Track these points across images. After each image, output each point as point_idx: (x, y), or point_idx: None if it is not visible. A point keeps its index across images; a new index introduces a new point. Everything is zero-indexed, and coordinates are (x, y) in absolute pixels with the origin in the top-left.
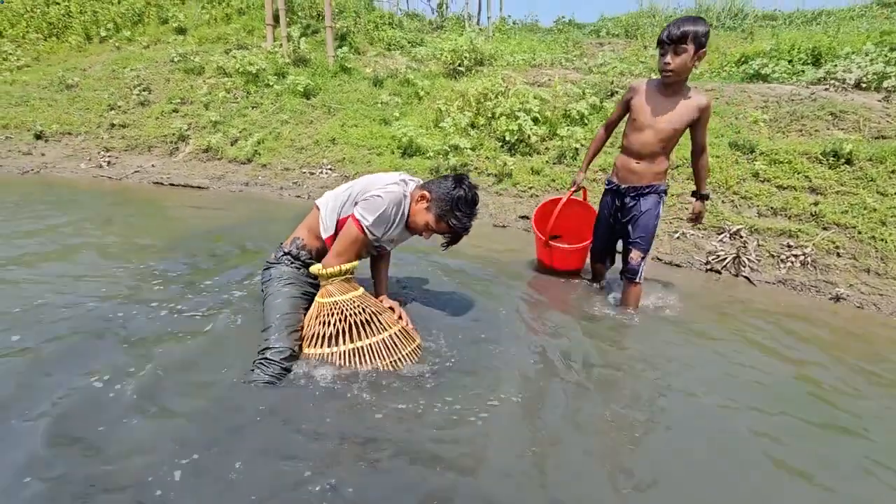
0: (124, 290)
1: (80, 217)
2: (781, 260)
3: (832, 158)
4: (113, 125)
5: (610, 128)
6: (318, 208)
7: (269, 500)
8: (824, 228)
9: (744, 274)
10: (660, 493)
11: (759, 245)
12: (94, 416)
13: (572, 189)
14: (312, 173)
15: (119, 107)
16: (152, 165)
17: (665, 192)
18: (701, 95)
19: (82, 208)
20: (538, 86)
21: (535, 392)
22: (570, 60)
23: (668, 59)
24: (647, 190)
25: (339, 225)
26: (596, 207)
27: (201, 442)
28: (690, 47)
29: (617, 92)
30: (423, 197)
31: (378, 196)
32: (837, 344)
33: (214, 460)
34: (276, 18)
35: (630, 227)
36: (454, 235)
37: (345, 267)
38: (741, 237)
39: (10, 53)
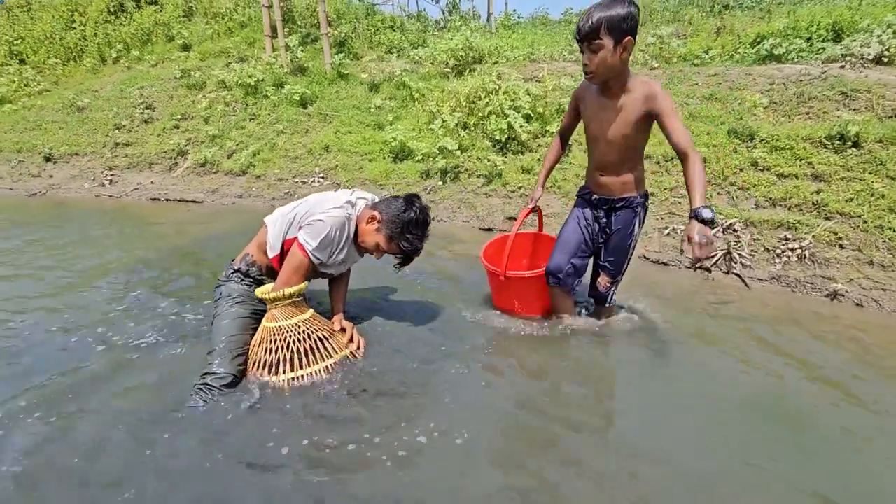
0: (75, 311)
1: (54, 237)
2: (777, 254)
3: (838, 142)
4: (117, 144)
5: (564, 135)
6: (266, 226)
7: None
8: (826, 218)
9: (735, 271)
10: None
11: (753, 239)
12: (17, 446)
13: (528, 208)
14: (305, 182)
15: (124, 126)
16: (151, 182)
17: (643, 205)
18: (646, 84)
19: (64, 228)
20: (536, 81)
21: (473, 428)
22: (573, 52)
23: (586, 58)
24: (619, 203)
25: (285, 245)
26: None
27: (128, 472)
28: (607, 41)
29: None
30: (373, 218)
31: (320, 220)
32: (830, 351)
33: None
34: (275, 29)
35: (602, 247)
36: (405, 256)
37: (289, 291)
38: (735, 231)
39: (32, 79)
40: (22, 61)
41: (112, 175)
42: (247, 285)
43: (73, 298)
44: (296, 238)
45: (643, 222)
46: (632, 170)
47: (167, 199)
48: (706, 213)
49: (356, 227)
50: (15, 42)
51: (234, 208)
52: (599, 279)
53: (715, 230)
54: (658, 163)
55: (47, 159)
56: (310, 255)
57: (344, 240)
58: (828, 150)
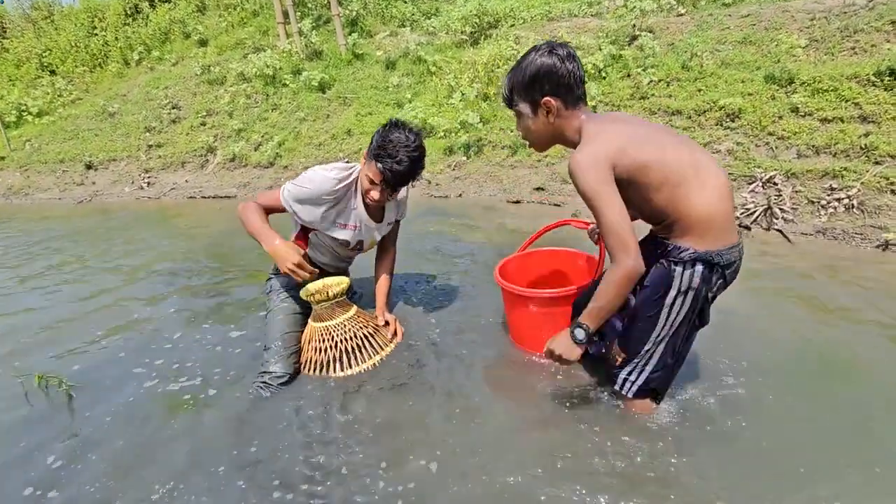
0: (128, 313)
1: (110, 242)
2: (822, 206)
3: (888, 78)
4: (150, 146)
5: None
6: None
7: None
8: (876, 163)
9: (776, 227)
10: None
11: (795, 191)
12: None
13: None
14: None
15: (154, 128)
16: (186, 181)
17: (690, 265)
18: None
19: (114, 233)
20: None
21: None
22: (591, 5)
23: (516, 124)
24: (660, 249)
25: (302, 226)
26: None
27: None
28: (522, 106)
29: (639, 36)
30: (364, 154)
31: (303, 174)
32: (887, 305)
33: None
34: (287, 14)
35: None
36: (386, 178)
37: (332, 291)
38: (775, 185)
39: (64, 89)
40: (52, 72)
41: (149, 177)
42: None
43: (130, 299)
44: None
45: (689, 295)
46: (667, 220)
47: (203, 197)
48: (578, 335)
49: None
50: (44, 54)
51: None
52: (615, 347)
53: (753, 186)
54: (689, 117)
55: (88, 167)
56: (281, 194)
57: (343, 202)
58: (877, 88)
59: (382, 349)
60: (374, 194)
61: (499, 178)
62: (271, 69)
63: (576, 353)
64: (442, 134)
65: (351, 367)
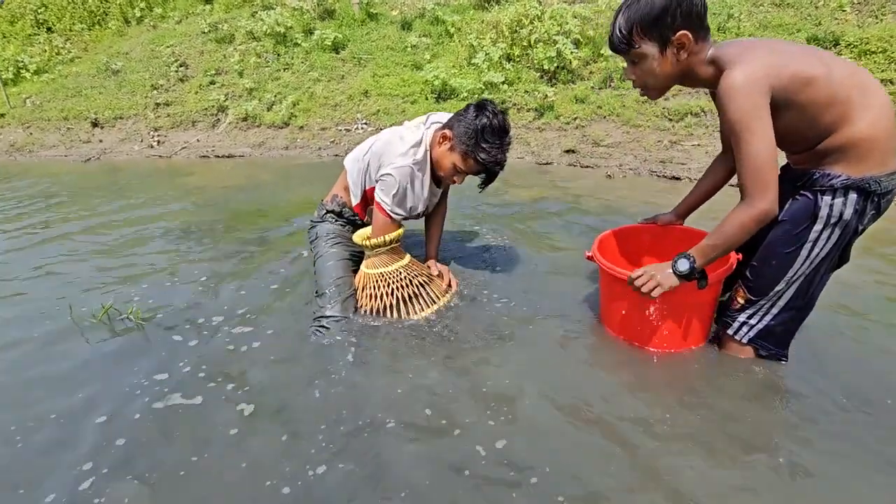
0: (151, 267)
1: (130, 202)
2: None
3: None
4: (158, 104)
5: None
6: (346, 169)
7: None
8: None
9: None
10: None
11: None
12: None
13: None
14: (349, 130)
15: (161, 86)
16: (197, 140)
17: (842, 192)
18: (726, 72)
19: (133, 192)
20: (582, 2)
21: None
22: None
23: (630, 72)
24: (802, 179)
25: (366, 193)
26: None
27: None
28: (647, 47)
29: None
30: (444, 137)
31: (389, 175)
32: None
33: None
34: None
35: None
36: (487, 172)
37: (389, 237)
38: None
39: (62, 47)
40: (49, 29)
41: (158, 136)
42: (341, 225)
43: (154, 255)
44: (374, 198)
45: (836, 228)
46: (823, 146)
47: (216, 156)
48: (681, 266)
49: (430, 157)
50: (39, 10)
51: (283, 160)
52: (737, 289)
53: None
54: None
55: (94, 124)
56: (390, 214)
57: (419, 185)
58: None
59: (438, 299)
60: (459, 179)
61: (526, 141)
62: (282, 27)
63: (672, 281)
64: (465, 96)
65: (408, 314)
